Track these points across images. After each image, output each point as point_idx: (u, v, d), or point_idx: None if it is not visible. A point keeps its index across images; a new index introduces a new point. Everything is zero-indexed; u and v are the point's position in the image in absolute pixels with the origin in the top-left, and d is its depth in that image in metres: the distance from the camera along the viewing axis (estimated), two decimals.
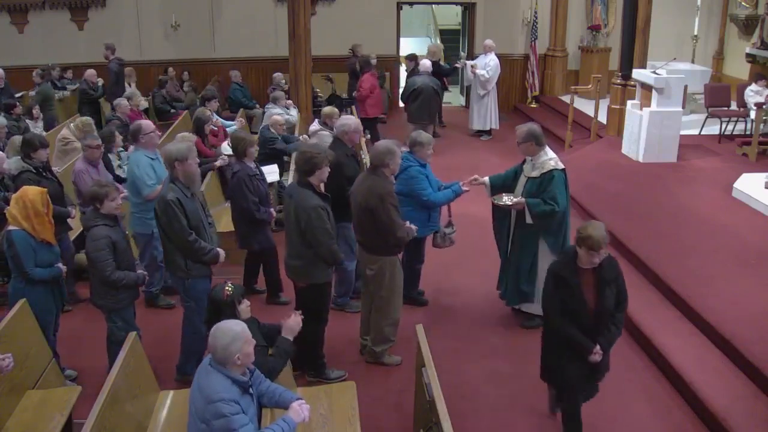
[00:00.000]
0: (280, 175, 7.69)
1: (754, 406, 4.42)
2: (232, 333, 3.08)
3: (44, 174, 5.79)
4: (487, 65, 11.18)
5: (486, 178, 5.65)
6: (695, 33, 12.44)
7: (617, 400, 4.76)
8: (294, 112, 9.49)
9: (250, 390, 3.23)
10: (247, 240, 5.91)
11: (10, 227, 4.54)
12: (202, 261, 4.74)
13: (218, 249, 4.83)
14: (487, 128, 11.48)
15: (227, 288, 3.75)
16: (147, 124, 6.11)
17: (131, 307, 4.74)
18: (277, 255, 6.10)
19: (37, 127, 9.22)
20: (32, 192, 4.58)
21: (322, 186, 4.78)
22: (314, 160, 4.64)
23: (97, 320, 5.77)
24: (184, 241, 4.63)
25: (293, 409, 3.32)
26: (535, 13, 12.85)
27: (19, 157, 5.79)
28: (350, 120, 5.85)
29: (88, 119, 7.98)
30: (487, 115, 11.39)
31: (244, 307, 3.80)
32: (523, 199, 5.32)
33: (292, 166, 7.87)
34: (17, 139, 6.44)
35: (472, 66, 11.29)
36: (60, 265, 4.76)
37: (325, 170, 4.72)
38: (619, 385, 4.93)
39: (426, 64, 10.27)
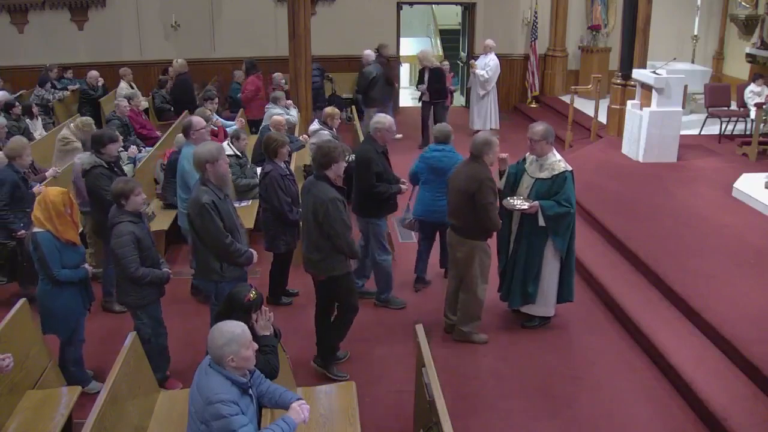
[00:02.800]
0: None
1: (754, 406, 4.42)
2: (230, 334, 3.06)
3: (115, 169, 5.81)
4: (486, 65, 11.18)
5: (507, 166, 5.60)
6: (695, 33, 12.43)
7: (617, 400, 4.77)
8: (294, 112, 9.49)
9: (250, 391, 3.22)
10: (275, 241, 5.84)
11: (36, 229, 4.53)
12: (237, 263, 4.71)
13: (252, 250, 4.82)
14: (487, 128, 11.46)
15: (252, 293, 3.71)
16: (198, 120, 6.09)
17: (157, 303, 4.71)
18: (292, 258, 6.13)
19: (36, 128, 9.23)
20: (53, 193, 4.57)
21: (339, 180, 4.86)
22: (332, 153, 4.74)
23: (105, 321, 5.79)
24: (220, 244, 4.57)
25: (293, 409, 3.30)
26: (535, 13, 12.85)
27: (91, 153, 5.80)
28: (385, 118, 5.88)
29: (89, 119, 7.97)
30: (487, 115, 11.40)
31: (264, 323, 3.75)
32: (537, 203, 5.26)
33: (293, 166, 7.91)
34: (19, 139, 6.42)
35: (472, 65, 11.28)
36: (86, 266, 4.75)
37: (342, 165, 4.81)
38: (619, 385, 4.94)
39: (371, 55, 10.82)
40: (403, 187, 5.88)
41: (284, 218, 5.74)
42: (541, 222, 5.30)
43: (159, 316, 4.73)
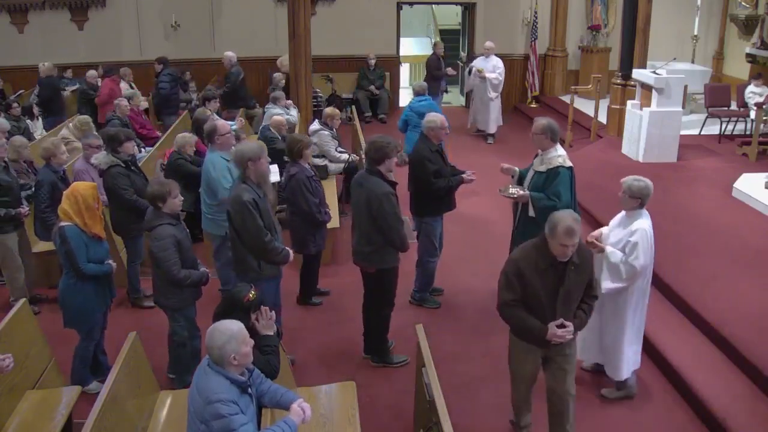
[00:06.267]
0: (281, 175, 7.65)
1: (754, 406, 4.42)
2: (229, 332, 3.08)
3: (132, 168, 5.83)
4: (496, 68, 10.96)
5: (516, 168, 5.64)
6: (695, 33, 12.44)
7: (617, 400, 4.76)
8: (294, 112, 9.48)
9: (249, 390, 3.22)
10: (305, 243, 5.77)
11: (62, 223, 4.54)
12: (275, 261, 4.75)
13: (289, 249, 4.85)
14: (495, 128, 11.29)
15: (251, 293, 3.72)
16: (222, 124, 6.03)
17: (194, 306, 4.71)
18: (321, 258, 6.16)
19: (36, 128, 9.23)
20: (83, 187, 4.61)
21: (391, 175, 4.93)
22: (385, 149, 4.80)
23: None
24: (259, 242, 4.60)
25: (294, 410, 3.31)
26: (535, 13, 12.85)
27: (107, 152, 5.81)
28: (437, 117, 5.91)
29: (86, 118, 7.97)
30: (498, 116, 11.22)
31: (265, 322, 3.75)
32: (527, 192, 5.36)
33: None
34: (17, 139, 6.42)
35: (479, 71, 10.95)
36: (110, 262, 4.76)
37: (393, 160, 4.87)
38: None
39: (234, 57, 10.75)
40: (466, 177, 5.81)
41: (313, 220, 5.69)
42: (531, 213, 5.39)
43: (194, 318, 4.72)
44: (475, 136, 11.57)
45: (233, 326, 3.12)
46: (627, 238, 4.45)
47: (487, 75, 10.90)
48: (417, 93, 8.56)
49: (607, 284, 4.48)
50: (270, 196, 4.89)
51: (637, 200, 4.46)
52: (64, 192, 4.67)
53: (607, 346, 4.72)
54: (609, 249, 4.51)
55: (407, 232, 5.13)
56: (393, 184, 4.88)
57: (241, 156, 4.65)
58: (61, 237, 4.52)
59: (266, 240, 4.62)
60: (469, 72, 11.28)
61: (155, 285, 4.68)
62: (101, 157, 5.82)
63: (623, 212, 4.63)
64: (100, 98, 10.17)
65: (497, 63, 11.01)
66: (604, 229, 4.80)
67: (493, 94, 11.08)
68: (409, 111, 8.40)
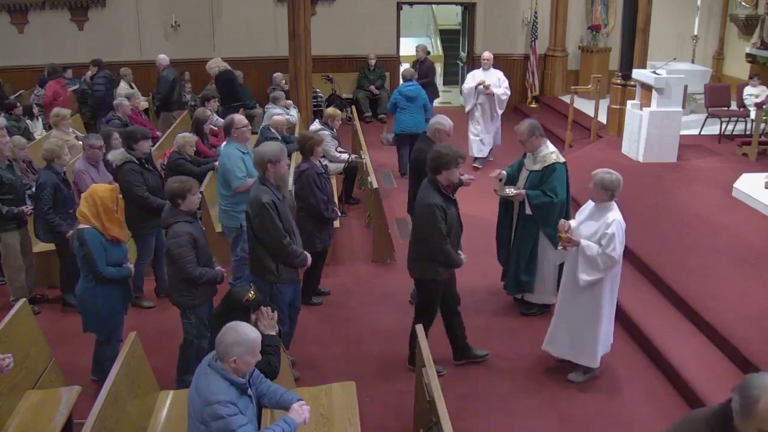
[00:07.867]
0: None
1: None
2: (242, 337, 3.05)
3: (146, 165, 5.87)
4: (501, 81, 9.68)
5: (504, 172, 5.76)
6: (695, 33, 12.44)
7: (617, 400, 4.77)
8: (294, 112, 9.50)
9: (249, 391, 3.22)
10: (312, 240, 5.74)
11: (81, 226, 4.54)
12: (293, 264, 4.74)
13: (306, 253, 4.84)
14: (498, 143, 10.22)
15: (250, 293, 3.72)
16: (239, 118, 6.19)
17: (206, 304, 4.69)
18: (326, 257, 6.15)
19: (36, 128, 9.23)
20: (101, 189, 4.60)
21: (450, 188, 4.81)
22: (439, 159, 4.66)
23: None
24: (278, 244, 4.59)
25: (294, 410, 3.31)
26: (535, 13, 12.85)
27: (123, 149, 5.86)
28: (447, 122, 5.91)
29: (59, 110, 7.91)
30: (498, 130, 10.15)
31: (267, 322, 3.75)
32: (524, 191, 5.48)
33: (292, 167, 7.91)
34: (15, 139, 6.42)
35: (485, 86, 9.52)
36: (129, 264, 4.77)
37: (454, 171, 4.69)
38: (619, 385, 4.94)
39: (166, 59, 10.81)
40: (465, 179, 5.71)
41: (320, 217, 5.70)
42: (528, 211, 5.48)
43: (205, 318, 4.70)
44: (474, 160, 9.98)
45: (251, 333, 3.10)
46: (603, 230, 4.55)
47: (495, 90, 9.56)
48: (405, 78, 9.50)
49: (584, 276, 4.63)
50: (288, 198, 4.88)
51: (608, 192, 4.58)
52: (82, 194, 4.66)
53: (583, 336, 4.79)
54: (584, 242, 4.60)
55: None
56: (448, 199, 4.72)
57: (261, 157, 4.62)
58: (79, 240, 4.51)
59: (285, 242, 4.59)
60: (480, 87, 9.59)
61: (170, 282, 4.66)
62: (117, 154, 5.89)
63: (592, 204, 4.73)
64: (44, 100, 10.12)
65: (501, 75, 9.74)
66: (572, 222, 4.83)
67: (499, 111, 9.82)
68: (398, 94, 9.22)
